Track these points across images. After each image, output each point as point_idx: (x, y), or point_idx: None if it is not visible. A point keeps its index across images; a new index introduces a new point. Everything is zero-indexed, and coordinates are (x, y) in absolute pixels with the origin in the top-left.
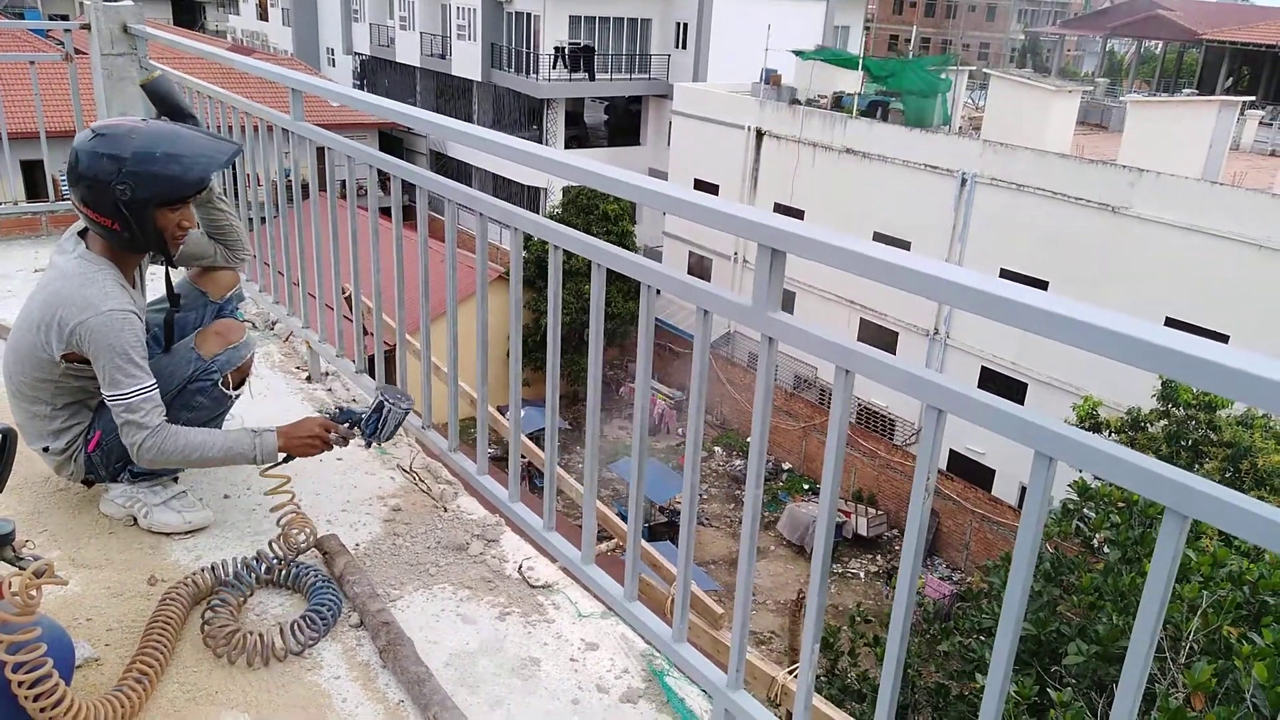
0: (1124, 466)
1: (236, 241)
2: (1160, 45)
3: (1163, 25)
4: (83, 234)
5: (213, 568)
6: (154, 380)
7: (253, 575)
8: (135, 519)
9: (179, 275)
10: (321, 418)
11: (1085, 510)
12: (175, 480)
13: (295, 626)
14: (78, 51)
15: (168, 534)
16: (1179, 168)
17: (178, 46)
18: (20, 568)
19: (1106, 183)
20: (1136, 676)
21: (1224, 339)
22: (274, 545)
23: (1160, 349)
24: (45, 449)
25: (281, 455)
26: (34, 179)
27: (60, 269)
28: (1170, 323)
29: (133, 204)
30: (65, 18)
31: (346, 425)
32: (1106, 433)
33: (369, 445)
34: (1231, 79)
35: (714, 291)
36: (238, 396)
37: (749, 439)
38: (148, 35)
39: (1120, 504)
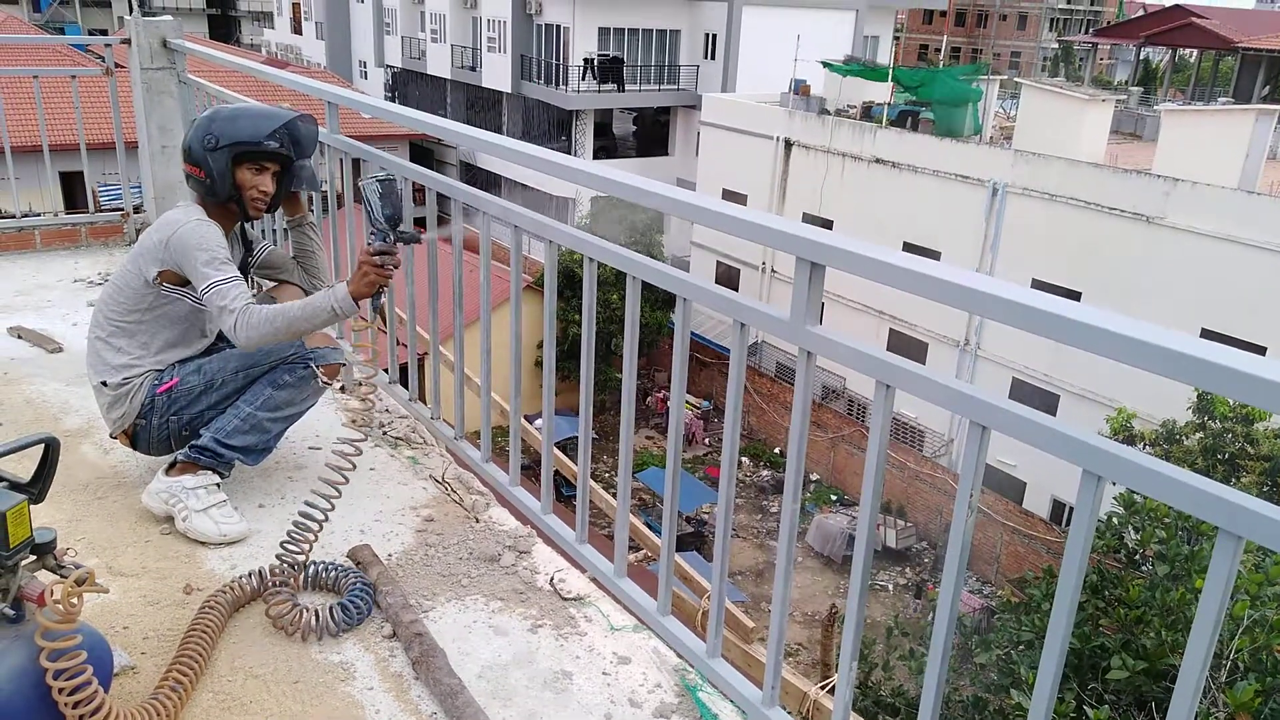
0: (1177, 486)
1: (315, 269)
2: (1195, 53)
3: (1197, 33)
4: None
5: (250, 575)
6: (237, 273)
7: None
8: (173, 519)
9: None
10: (362, 252)
11: (1130, 525)
12: (219, 487)
13: (333, 611)
14: (118, 65)
15: (202, 543)
16: (1215, 177)
17: (215, 60)
18: (62, 576)
19: (1141, 192)
20: (1189, 697)
21: (1261, 351)
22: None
23: (1197, 361)
24: (104, 383)
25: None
26: (73, 190)
27: (160, 218)
28: (1206, 334)
29: (216, 151)
30: (105, 33)
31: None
32: (1141, 445)
33: (390, 238)
34: (1268, 87)
35: (751, 305)
36: (326, 386)
37: (777, 449)
38: (186, 49)
39: (1166, 519)
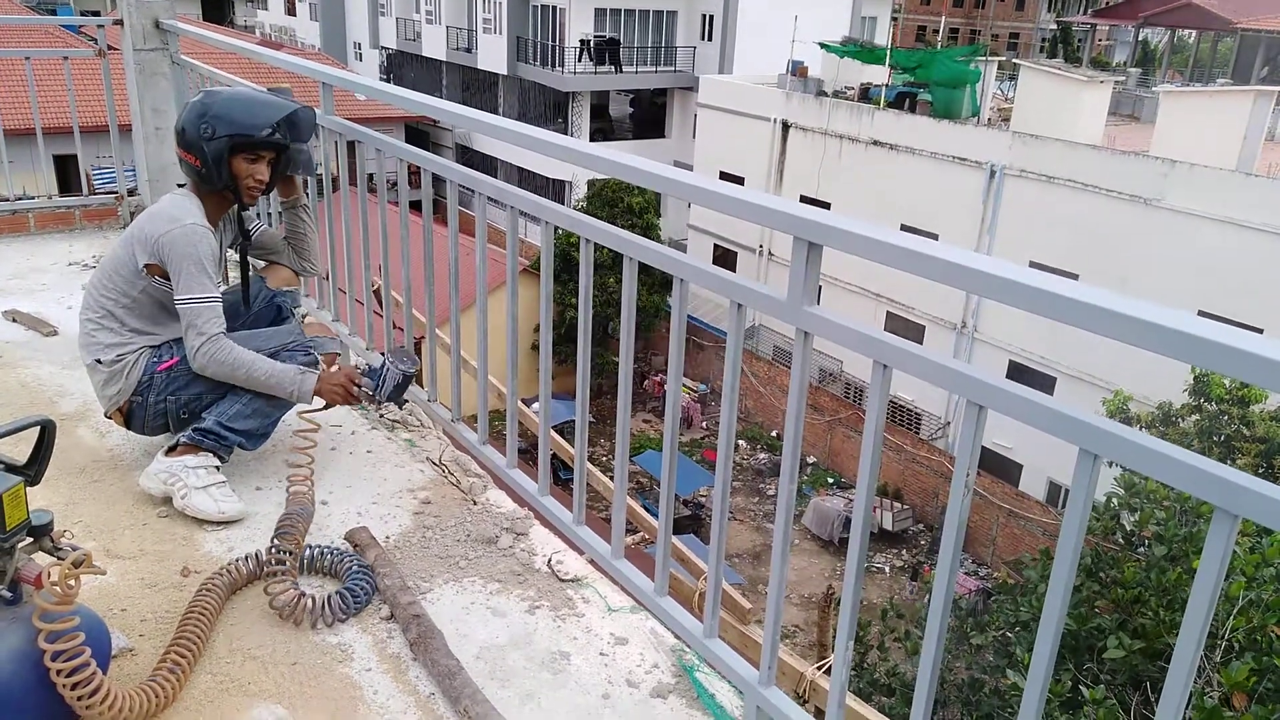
0: (1173, 464)
1: (306, 252)
2: (1194, 34)
3: (1196, 14)
4: (180, 187)
5: (248, 558)
6: (219, 293)
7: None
8: (172, 498)
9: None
10: (352, 369)
11: (1129, 507)
12: (218, 469)
13: (330, 600)
14: (110, 47)
15: (200, 523)
16: (1213, 159)
17: (208, 41)
18: (59, 558)
19: (1138, 174)
20: (1184, 676)
21: (1258, 333)
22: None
23: (1196, 339)
24: (98, 361)
25: (317, 403)
26: (66, 173)
27: (157, 202)
28: (1203, 316)
29: (212, 142)
30: (97, 13)
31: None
32: (1138, 427)
33: (374, 401)
34: (1267, 68)
35: (748, 285)
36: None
37: (774, 433)
38: (179, 30)
39: (1165, 501)
